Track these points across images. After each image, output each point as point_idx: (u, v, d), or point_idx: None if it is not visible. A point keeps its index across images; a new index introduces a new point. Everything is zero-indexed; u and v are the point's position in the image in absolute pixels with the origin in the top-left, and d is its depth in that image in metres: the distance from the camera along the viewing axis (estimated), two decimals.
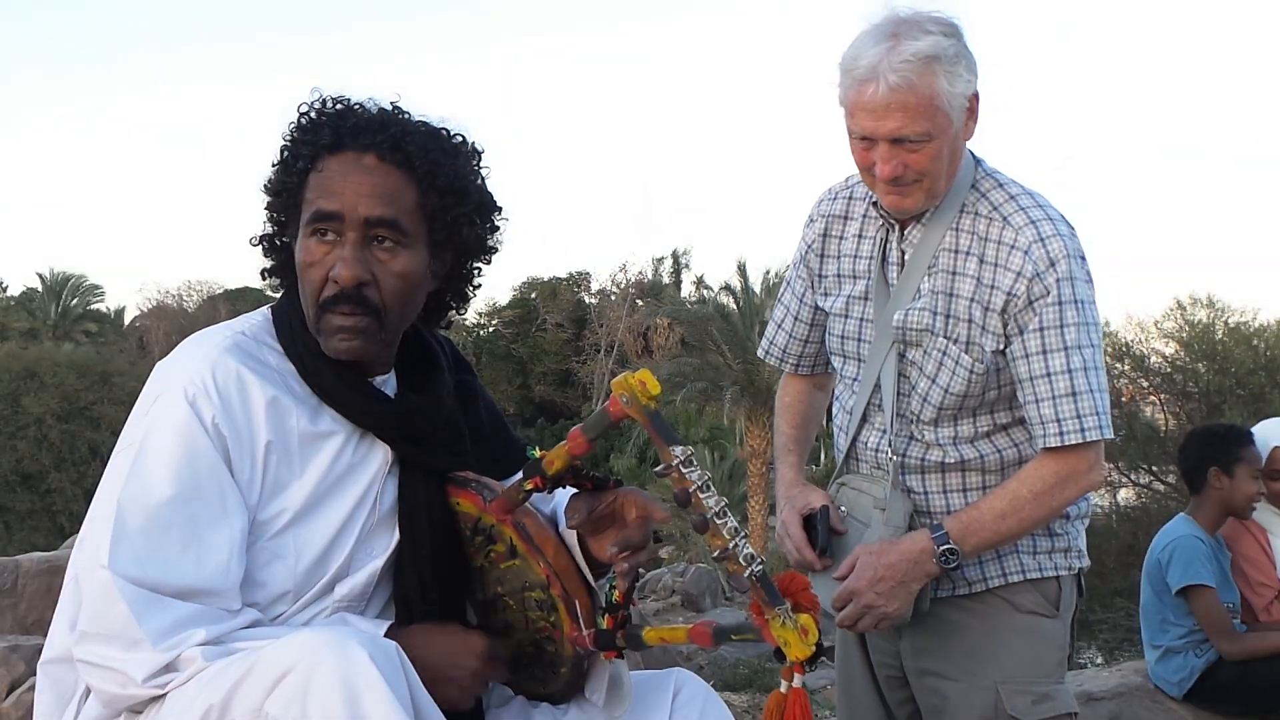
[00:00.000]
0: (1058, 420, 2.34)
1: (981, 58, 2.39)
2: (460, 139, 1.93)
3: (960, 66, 2.31)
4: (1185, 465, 4.38)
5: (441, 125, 1.92)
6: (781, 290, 2.81)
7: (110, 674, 1.68)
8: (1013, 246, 2.38)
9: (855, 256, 2.58)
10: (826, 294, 2.64)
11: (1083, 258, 2.40)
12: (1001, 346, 2.40)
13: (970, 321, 2.41)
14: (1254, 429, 4.41)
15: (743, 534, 1.76)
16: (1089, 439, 2.34)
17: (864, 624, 2.38)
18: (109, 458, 1.82)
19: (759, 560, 1.76)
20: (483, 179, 1.96)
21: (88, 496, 1.80)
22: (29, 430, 32.51)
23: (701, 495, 1.75)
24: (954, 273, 2.43)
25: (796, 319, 2.73)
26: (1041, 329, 2.35)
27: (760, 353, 2.86)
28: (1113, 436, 2.38)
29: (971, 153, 2.49)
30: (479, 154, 1.96)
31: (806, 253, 2.68)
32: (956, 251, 2.43)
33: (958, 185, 2.44)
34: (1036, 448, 2.41)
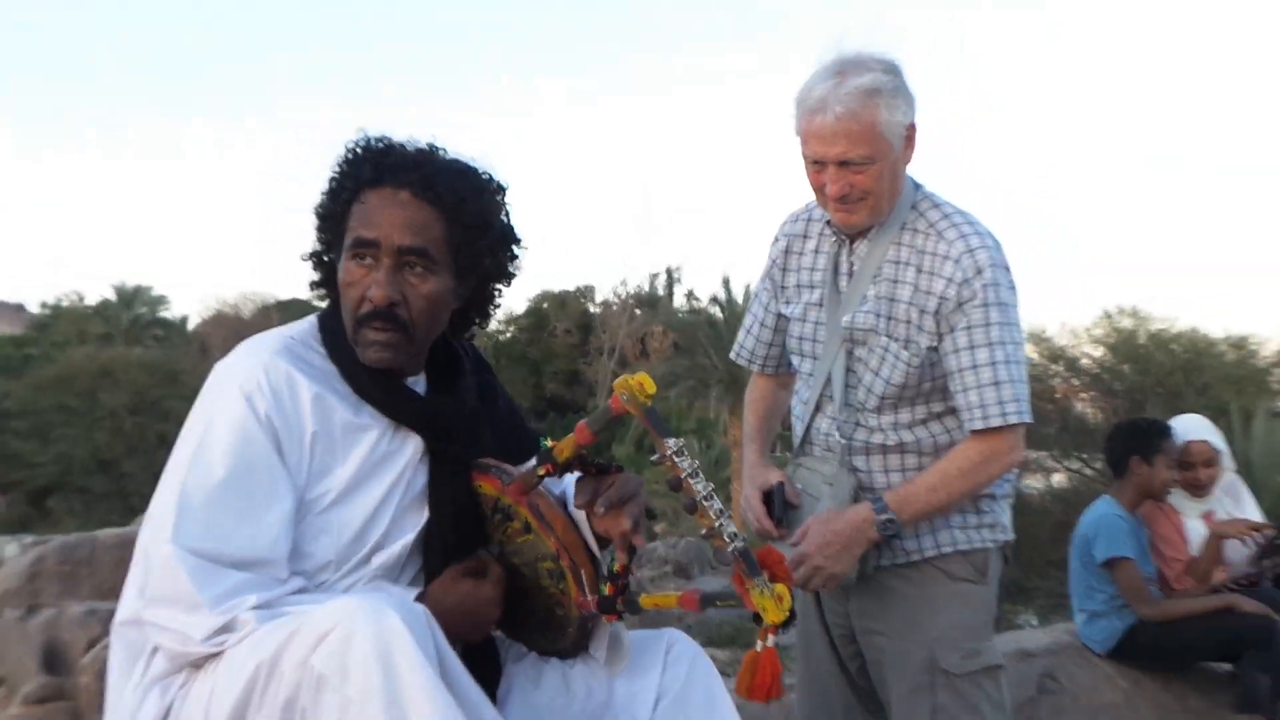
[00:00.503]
0: (982, 406, 2.36)
1: (921, 94, 2.43)
2: (487, 178, 1.93)
3: (898, 99, 2.34)
4: (1111, 453, 4.39)
5: (471, 165, 1.92)
6: (751, 300, 2.85)
7: (173, 634, 1.68)
8: (945, 257, 2.40)
9: (812, 269, 2.61)
10: (788, 302, 2.66)
11: (1006, 268, 2.43)
12: (935, 343, 2.42)
13: (909, 322, 2.43)
14: (1172, 423, 4.43)
15: (726, 514, 1.76)
16: (1009, 422, 2.36)
17: (814, 583, 2.39)
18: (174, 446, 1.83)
19: (740, 537, 1.76)
20: (506, 213, 1.96)
21: (156, 480, 1.81)
22: (105, 422, 32.44)
23: (691, 481, 1.75)
24: (895, 281, 2.45)
25: (763, 325, 2.75)
26: (969, 327, 2.38)
27: (732, 355, 2.87)
28: (1030, 421, 2.39)
29: (912, 178, 2.51)
30: (503, 191, 1.96)
31: (771, 267, 2.71)
32: (898, 263, 2.46)
33: (899, 205, 2.47)
34: (965, 431, 2.43)
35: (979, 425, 2.38)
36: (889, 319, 2.45)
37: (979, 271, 2.37)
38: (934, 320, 2.41)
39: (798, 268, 2.64)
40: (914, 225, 2.47)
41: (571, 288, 46.54)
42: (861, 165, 2.33)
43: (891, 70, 2.37)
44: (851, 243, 2.53)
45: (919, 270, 2.43)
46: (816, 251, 2.61)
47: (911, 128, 2.39)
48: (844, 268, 2.55)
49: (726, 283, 35.93)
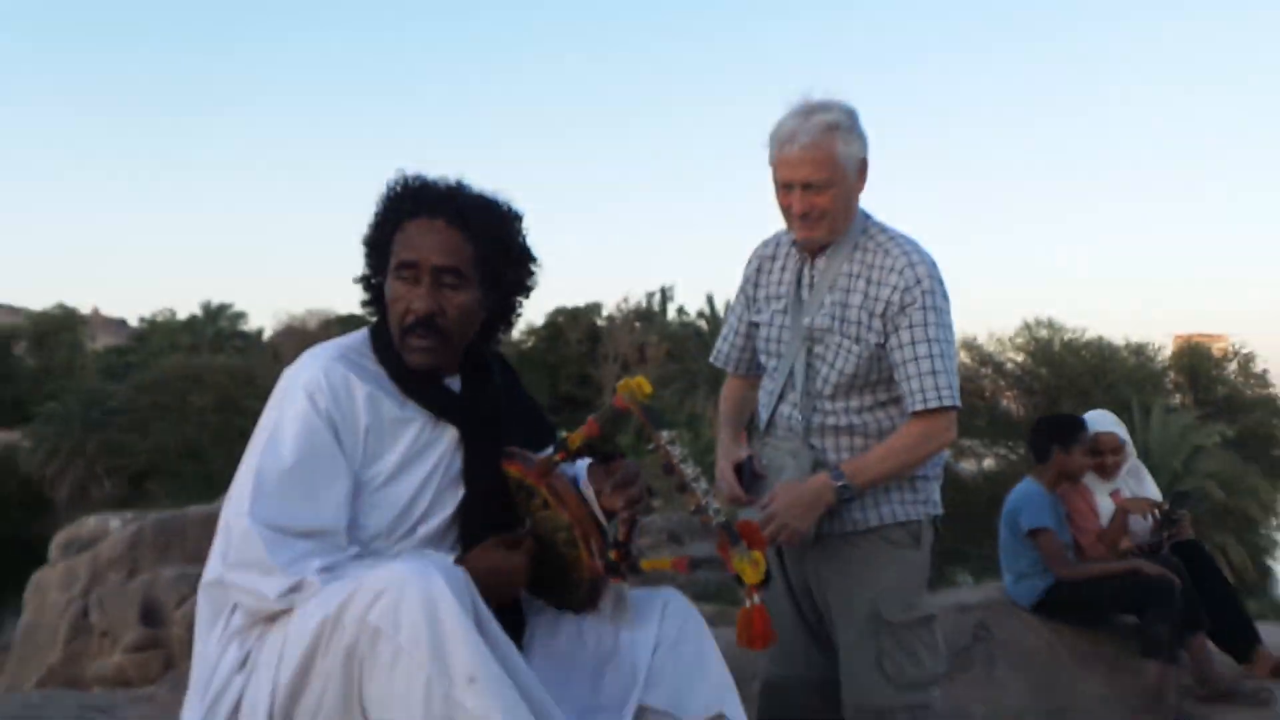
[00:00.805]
0: (923, 391, 2.40)
1: (873, 139, 2.49)
2: (507, 207, 1.94)
3: (854, 137, 2.42)
4: (1034, 442, 4.39)
5: (494, 197, 1.93)
6: (727, 313, 2.87)
7: (251, 594, 1.69)
8: (891, 269, 2.44)
9: (779, 283, 2.63)
10: (759, 311, 2.68)
11: (940, 280, 2.47)
12: (882, 340, 2.44)
13: (859, 323, 2.46)
14: (1085, 417, 4.44)
15: (711, 493, 1.79)
16: (944, 404, 2.40)
17: (781, 538, 2.41)
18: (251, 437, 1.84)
19: (722, 513, 1.78)
20: (524, 237, 1.97)
21: (236, 466, 1.82)
22: (193, 418, 32.58)
23: (681, 466, 1.76)
24: (848, 290, 2.48)
25: (737, 333, 2.78)
26: (911, 327, 2.41)
27: (711, 358, 2.90)
28: (959, 405, 2.43)
29: (863, 208, 2.55)
30: (520, 218, 1.97)
31: (745, 284, 2.73)
32: (851, 275, 2.49)
33: (853, 228, 2.51)
34: (906, 416, 2.46)
35: (919, 407, 2.41)
36: (843, 320, 2.48)
37: (918, 281, 2.41)
38: (881, 321, 2.44)
39: (767, 283, 2.67)
40: (864, 245, 2.50)
41: (582, 304, 46.63)
42: (821, 188, 2.39)
43: (849, 113, 2.43)
44: (812, 259, 2.56)
45: (868, 281, 2.46)
46: (783, 269, 2.63)
47: (863, 162, 2.46)
48: (805, 280, 2.57)
49: (710, 300, 36.22)
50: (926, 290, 2.41)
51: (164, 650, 10.50)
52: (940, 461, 2.63)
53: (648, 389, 1.76)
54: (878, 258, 2.47)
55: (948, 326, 2.45)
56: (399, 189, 1.91)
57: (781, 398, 2.62)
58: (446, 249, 1.84)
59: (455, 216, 1.86)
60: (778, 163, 2.44)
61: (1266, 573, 19.37)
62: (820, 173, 2.38)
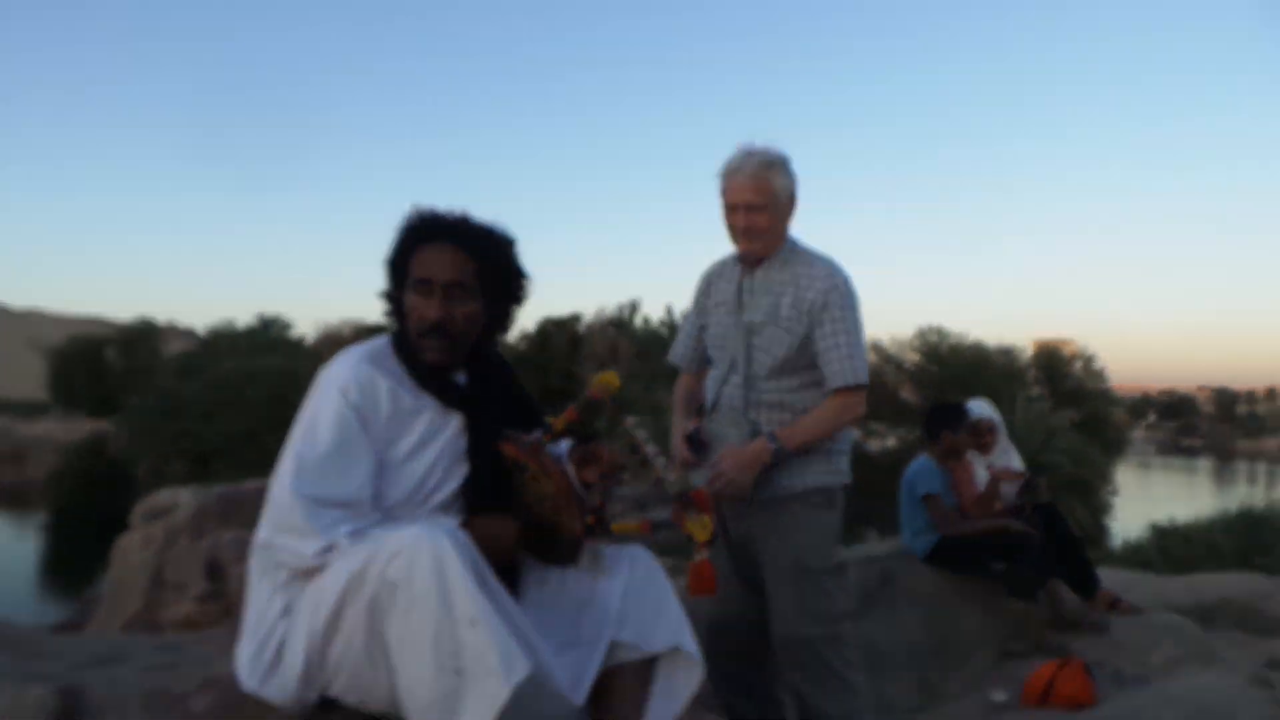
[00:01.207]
0: (841, 372, 2.44)
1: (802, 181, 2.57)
2: (504, 235, 1.92)
3: (786, 174, 2.50)
4: (927, 425, 4.39)
5: (493, 225, 1.91)
6: (683, 321, 2.90)
7: (293, 553, 1.66)
8: (814, 278, 2.49)
9: (724, 292, 2.66)
10: (709, 314, 2.71)
11: (852, 288, 2.52)
12: (808, 332, 2.48)
13: (790, 318, 2.49)
14: (967, 405, 4.47)
15: (669, 468, 1.76)
16: (859, 381, 2.45)
17: (727, 492, 2.43)
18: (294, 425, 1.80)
19: (678, 484, 1.76)
20: (516, 257, 1.94)
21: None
22: (250, 410, 32.21)
23: (645, 446, 1.75)
24: (780, 294, 2.52)
25: (690, 336, 2.80)
26: (830, 322, 2.45)
27: (668, 357, 2.92)
28: (867, 383, 2.48)
29: (791, 235, 2.59)
30: (514, 242, 1.94)
31: (698, 295, 2.77)
32: (783, 283, 2.53)
33: (783, 249, 2.56)
34: (827, 392, 2.48)
35: (838, 384, 2.45)
36: (776, 317, 2.51)
37: (835, 287, 2.47)
38: (807, 317, 2.48)
39: (715, 293, 2.70)
40: (792, 260, 2.55)
41: (566, 314, 46.64)
42: (759, 209, 2.47)
43: (783, 157, 2.53)
44: (751, 271, 2.60)
45: (796, 287, 2.51)
46: (727, 282, 2.66)
47: (792, 196, 2.53)
48: (746, 288, 2.61)
49: (670, 310, 36.31)
50: (842, 294, 2.47)
51: (225, 601, 10.34)
52: (850, 439, 2.64)
53: (617, 383, 1.75)
54: (804, 269, 2.52)
55: (858, 322, 2.50)
56: (415, 220, 1.88)
57: (725, 381, 2.62)
58: (455, 268, 1.82)
59: (461, 241, 1.83)
60: (726, 189, 2.52)
61: (1103, 529, 19.66)
62: (759, 197, 2.46)
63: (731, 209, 2.51)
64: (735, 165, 2.49)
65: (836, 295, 2.46)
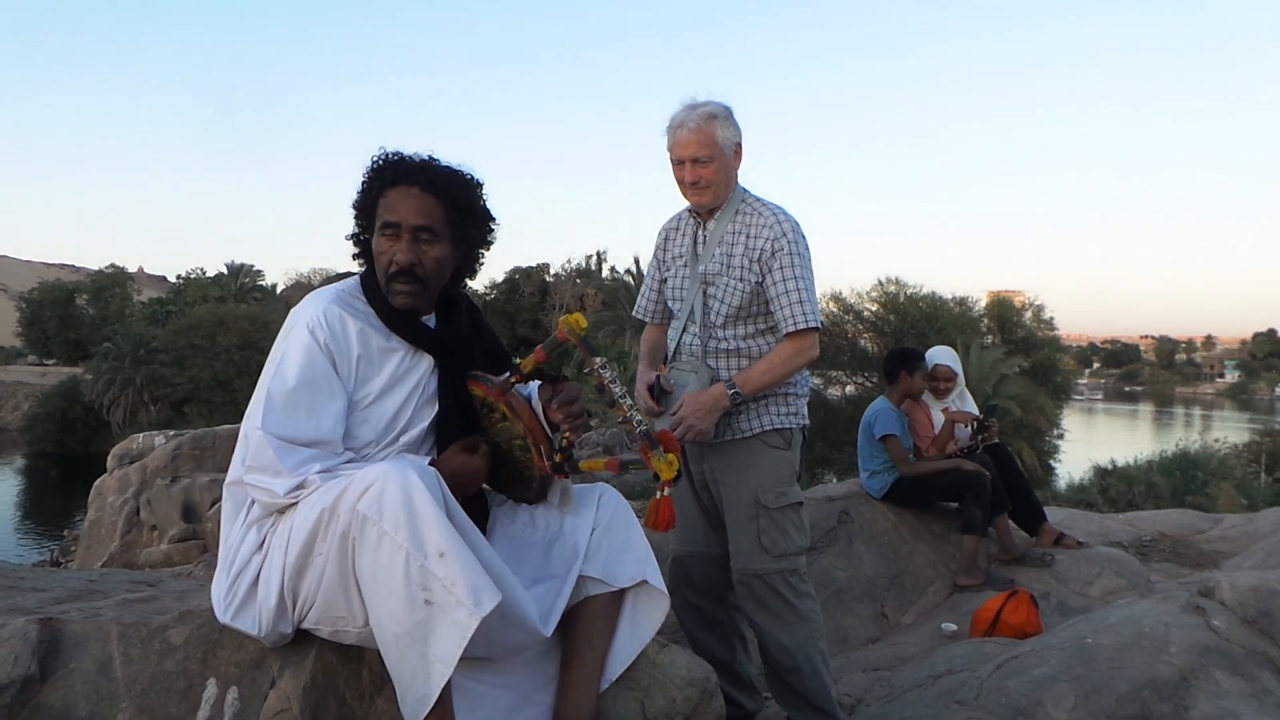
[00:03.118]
0: (792, 316, 2.43)
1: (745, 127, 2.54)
2: (470, 176, 1.86)
3: (729, 124, 2.47)
4: (887, 368, 4.42)
5: (460, 168, 1.85)
6: (645, 276, 2.87)
7: (265, 491, 1.64)
8: (764, 226, 2.47)
9: (680, 245, 2.65)
10: (668, 268, 2.70)
11: (801, 234, 2.50)
12: (759, 279, 2.47)
13: (742, 266, 2.48)
14: (928, 352, 4.50)
15: (635, 408, 1.75)
16: (809, 325, 2.43)
17: (688, 437, 2.43)
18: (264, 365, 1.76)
19: (644, 423, 1.74)
20: (484, 200, 1.89)
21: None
22: (221, 356, 31.96)
23: (611, 386, 1.72)
24: (732, 244, 2.51)
25: (652, 289, 2.78)
26: (780, 268, 2.44)
27: (634, 312, 2.89)
28: (819, 326, 2.48)
29: (741, 185, 2.57)
30: (481, 185, 1.89)
31: (656, 251, 2.76)
32: (734, 233, 2.51)
33: (733, 198, 2.54)
34: (780, 334, 2.48)
35: (790, 328, 2.43)
36: (729, 266, 2.50)
37: (784, 235, 2.45)
38: (758, 265, 2.46)
39: (672, 246, 2.69)
40: (743, 210, 2.53)
41: (534, 264, 46.30)
42: (706, 162, 2.45)
43: (726, 108, 2.48)
44: (704, 223, 2.58)
45: (748, 236, 2.49)
46: (683, 235, 2.65)
47: (738, 146, 2.51)
48: (700, 239, 2.59)
49: (636, 260, 36.19)
50: (790, 240, 2.45)
51: (200, 541, 10.32)
52: (807, 382, 2.64)
53: (584, 323, 1.71)
54: (753, 219, 2.50)
55: (808, 268, 2.48)
56: (381, 162, 1.81)
57: (685, 330, 2.62)
58: (422, 211, 1.76)
59: (429, 184, 1.77)
60: (672, 145, 2.49)
61: (1049, 470, 20.14)
62: (704, 150, 2.44)
63: (679, 163, 2.48)
64: (679, 120, 2.46)
65: (785, 242, 2.44)
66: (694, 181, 2.47)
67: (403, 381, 1.80)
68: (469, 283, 1.99)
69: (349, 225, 1.89)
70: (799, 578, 2.51)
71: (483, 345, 1.97)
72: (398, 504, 1.48)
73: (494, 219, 1.91)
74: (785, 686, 2.50)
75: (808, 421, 2.62)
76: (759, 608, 2.50)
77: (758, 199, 2.55)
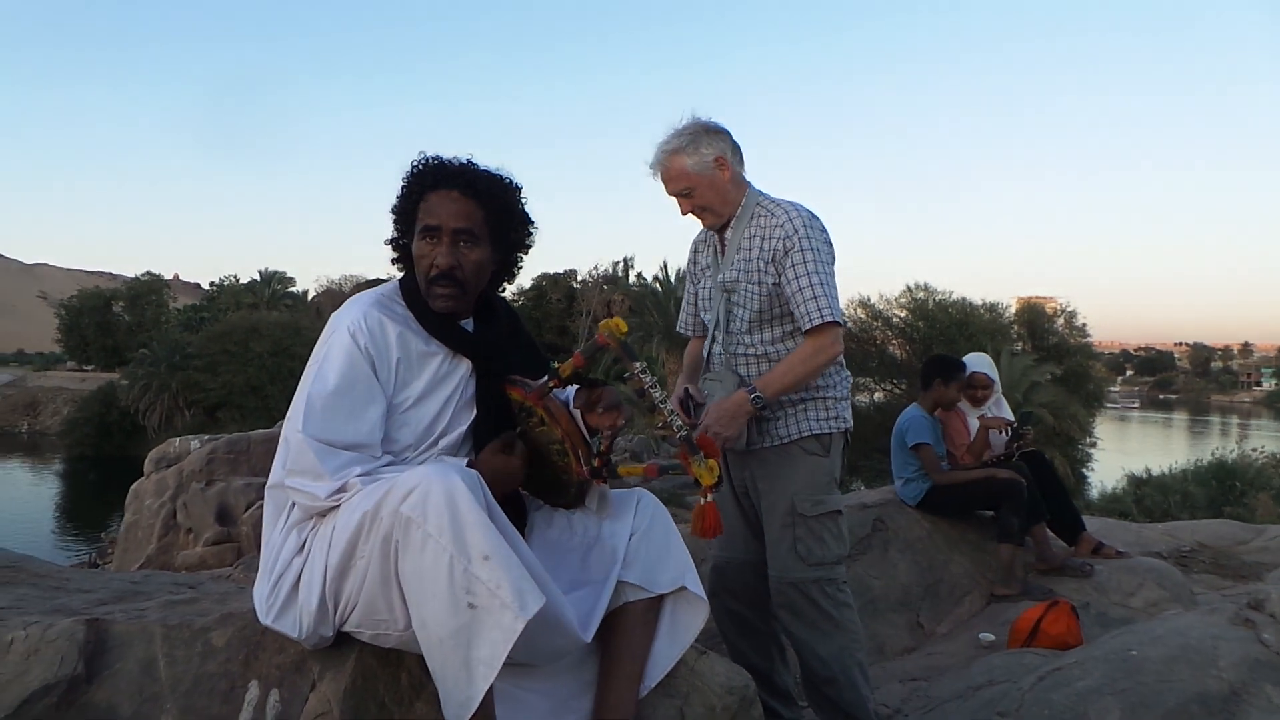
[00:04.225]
0: (809, 312, 2.38)
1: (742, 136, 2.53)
2: (509, 180, 1.86)
3: (699, 146, 2.44)
4: (924, 375, 4.37)
5: (498, 171, 1.85)
6: (684, 292, 2.87)
7: (306, 494, 1.64)
8: (775, 225, 2.45)
9: (706, 256, 2.66)
10: (698, 280, 2.71)
11: (814, 227, 2.44)
12: (777, 280, 2.44)
13: (759, 270, 2.46)
14: (966, 359, 4.46)
15: (675, 412, 1.73)
16: (825, 320, 2.37)
17: (716, 445, 2.40)
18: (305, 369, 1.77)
19: (684, 428, 1.73)
20: (522, 204, 1.89)
21: (289, 399, 1.74)
22: (254, 362, 32.30)
23: (651, 391, 1.71)
24: (749, 248, 2.49)
25: (688, 303, 2.79)
26: (794, 265, 2.40)
27: (677, 328, 2.89)
28: (841, 321, 2.42)
29: (751, 185, 2.55)
30: (520, 189, 1.89)
31: (688, 264, 2.78)
32: (750, 237, 2.49)
33: (746, 203, 2.52)
34: (802, 331, 2.44)
35: (808, 325, 2.39)
36: (747, 271, 2.48)
37: (795, 231, 2.41)
38: (773, 266, 2.44)
39: (700, 259, 2.70)
40: (756, 213, 2.50)
41: (561, 271, 46.42)
42: (688, 194, 2.47)
43: (689, 134, 2.45)
44: (721, 234, 2.58)
45: (761, 238, 2.47)
46: (708, 246, 2.65)
47: (718, 158, 2.47)
48: (720, 249, 2.59)
49: (664, 266, 36.03)
50: (802, 236, 2.41)
51: (235, 544, 10.43)
52: (847, 384, 2.60)
53: (624, 328, 1.70)
54: (765, 220, 2.47)
55: (823, 261, 2.42)
56: (421, 166, 1.82)
57: (714, 340, 2.60)
58: (462, 214, 1.76)
59: (469, 187, 1.78)
60: (662, 187, 2.52)
61: (1082, 479, 19.83)
62: (679, 184, 2.46)
63: (673, 199, 2.53)
64: (652, 162, 2.50)
65: (796, 239, 2.40)
66: (690, 212, 2.51)
67: (441, 385, 1.80)
68: (507, 283, 1.99)
69: (378, 233, 1.90)
70: (836, 587, 2.47)
71: (520, 349, 1.96)
72: (441, 507, 1.47)
73: (533, 222, 1.91)
74: (822, 697, 2.47)
75: (850, 425, 2.58)
76: (794, 617, 2.47)
77: (771, 199, 2.52)
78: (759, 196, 2.53)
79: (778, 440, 2.50)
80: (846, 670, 2.43)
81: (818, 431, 2.50)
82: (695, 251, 2.71)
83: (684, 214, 2.53)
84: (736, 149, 2.52)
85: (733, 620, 2.66)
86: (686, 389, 2.59)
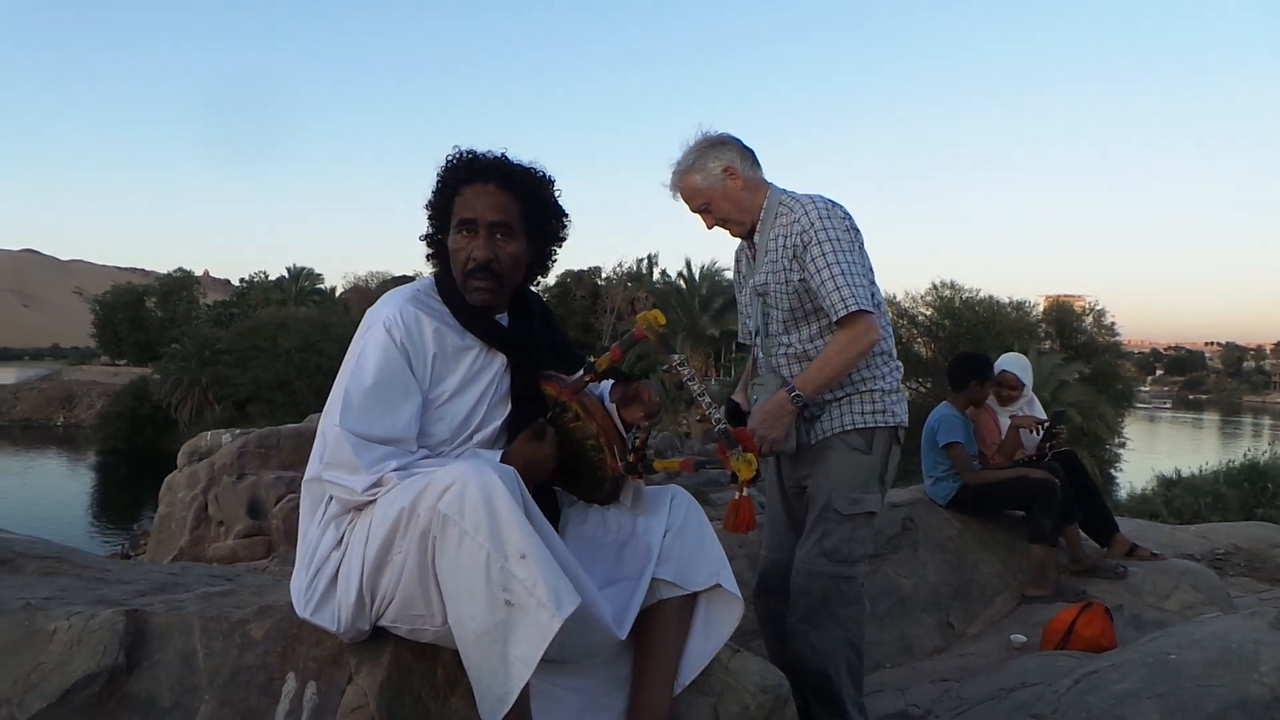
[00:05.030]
0: (834, 305, 2.35)
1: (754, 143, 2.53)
2: (544, 174, 1.86)
3: (704, 160, 2.45)
4: (956, 373, 4.30)
5: (531, 165, 1.85)
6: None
7: (343, 488, 1.64)
8: (793, 221, 2.42)
9: (744, 264, 2.65)
10: (741, 289, 2.69)
11: (833, 216, 2.39)
12: (801, 276, 2.41)
13: (784, 269, 2.43)
14: (1001, 358, 4.41)
15: (714, 405, 1.72)
16: (850, 309, 2.33)
17: (763, 449, 2.39)
18: (331, 371, 1.77)
19: (723, 421, 1.71)
20: (556, 197, 1.88)
21: (316, 394, 1.75)
22: (282, 357, 32.60)
23: (690, 384, 1.70)
24: (776, 250, 2.46)
25: (743, 314, 2.73)
26: (813, 259, 2.36)
27: (739, 339, 2.83)
28: (869, 308, 2.35)
29: (773, 185, 2.53)
30: (553, 182, 1.88)
31: (734, 275, 2.76)
32: (775, 238, 2.47)
33: (768, 206, 2.49)
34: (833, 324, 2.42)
35: (836, 316, 2.36)
36: (775, 271, 2.46)
37: (812, 224, 2.38)
38: (796, 262, 2.41)
39: (741, 267, 2.68)
40: (779, 214, 2.48)
41: (585, 268, 46.45)
42: (704, 210, 2.49)
43: (695, 151, 2.47)
44: (750, 240, 2.57)
45: (784, 237, 2.44)
46: (744, 254, 2.64)
47: (727, 168, 2.47)
48: (752, 255, 2.58)
49: (688, 263, 36.02)
50: (819, 228, 2.37)
51: (265, 537, 10.54)
52: (895, 375, 2.54)
53: (662, 320, 1.69)
54: (785, 218, 2.45)
55: (845, 249, 2.37)
56: (456, 160, 1.82)
57: (757, 346, 2.59)
58: (498, 207, 1.76)
59: (505, 181, 1.78)
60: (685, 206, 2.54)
61: (1110, 479, 19.55)
62: (696, 201, 2.48)
63: (697, 216, 2.53)
64: (669, 185, 2.53)
65: (813, 231, 2.37)
66: (713, 226, 2.53)
67: (476, 380, 1.79)
68: (541, 278, 1.99)
69: (405, 231, 1.96)
70: (852, 585, 2.45)
71: (554, 344, 1.96)
72: (478, 504, 1.47)
73: (566, 215, 1.90)
74: (804, 684, 2.47)
75: (901, 420, 2.52)
76: (800, 603, 2.47)
77: (792, 195, 2.48)
78: (781, 195, 2.50)
79: (821, 435, 2.48)
80: (836, 665, 2.43)
81: (860, 425, 2.46)
82: (737, 261, 2.70)
83: (709, 229, 2.53)
84: (746, 154, 2.49)
85: (775, 623, 2.64)
86: (729, 399, 2.60)
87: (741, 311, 2.72)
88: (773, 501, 2.64)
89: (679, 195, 2.52)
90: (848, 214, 2.44)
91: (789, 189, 2.52)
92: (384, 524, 1.57)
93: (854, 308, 2.32)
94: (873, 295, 2.39)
